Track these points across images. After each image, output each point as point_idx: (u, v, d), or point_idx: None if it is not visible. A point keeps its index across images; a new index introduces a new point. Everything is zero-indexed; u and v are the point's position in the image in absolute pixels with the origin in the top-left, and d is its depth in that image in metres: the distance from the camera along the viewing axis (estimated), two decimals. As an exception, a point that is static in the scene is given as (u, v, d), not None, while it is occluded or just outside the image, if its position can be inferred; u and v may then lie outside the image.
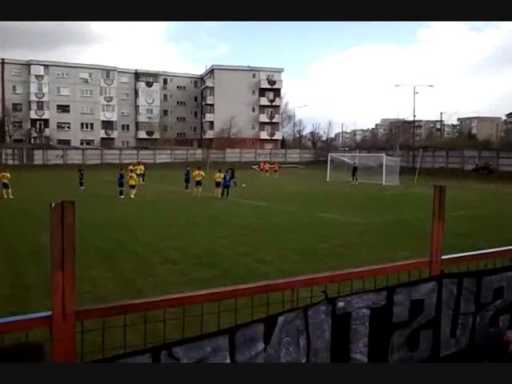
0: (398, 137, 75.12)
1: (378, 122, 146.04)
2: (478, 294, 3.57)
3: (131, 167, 37.17)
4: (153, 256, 13.12)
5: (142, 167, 41.87)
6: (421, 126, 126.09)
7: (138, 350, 2.21)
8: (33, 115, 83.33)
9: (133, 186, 29.27)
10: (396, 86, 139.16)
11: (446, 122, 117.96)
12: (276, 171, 54.91)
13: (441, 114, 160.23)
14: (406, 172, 49.27)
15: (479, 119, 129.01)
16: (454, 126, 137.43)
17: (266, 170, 55.39)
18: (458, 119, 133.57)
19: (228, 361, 2.43)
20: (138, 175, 35.18)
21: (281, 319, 2.63)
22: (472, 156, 59.30)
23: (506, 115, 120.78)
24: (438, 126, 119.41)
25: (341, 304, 2.90)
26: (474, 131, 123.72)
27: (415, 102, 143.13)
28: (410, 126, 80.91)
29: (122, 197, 28.85)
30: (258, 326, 2.54)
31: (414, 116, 74.97)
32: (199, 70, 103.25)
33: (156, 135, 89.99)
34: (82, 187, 34.29)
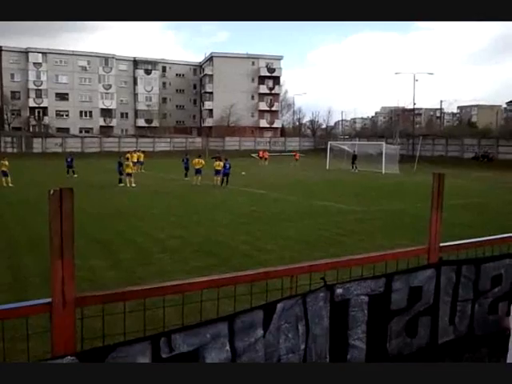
0: (398, 125, 75.03)
1: (378, 109, 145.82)
2: (476, 281, 3.59)
3: (128, 155, 37.16)
4: (152, 245, 13.15)
5: (141, 155, 41.79)
6: (421, 114, 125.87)
7: (137, 338, 2.22)
8: (31, 103, 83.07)
9: (129, 174, 29.26)
10: (396, 73, 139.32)
11: (445, 110, 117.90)
12: (266, 159, 55.17)
13: (441, 102, 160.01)
14: (406, 160, 49.26)
15: (479, 107, 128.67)
16: (453, 114, 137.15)
17: (266, 158, 55.43)
18: (458, 107, 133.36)
19: (227, 347, 2.44)
20: (134, 163, 35.16)
21: (280, 306, 2.64)
22: (472, 144, 59.30)
23: (507, 103, 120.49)
24: (438, 114, 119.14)
25: (339, 291, 2.91)
26: (473, 119, 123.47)
27: (415, 89, 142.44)
28: (410, 113, 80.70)
29: (122, 185, 28.88)
30: (258, 313, 2.55)
31: (414, 104, 74.71)
32: (198, 58, 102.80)
33: (155, 123, 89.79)
34: (75, 175, 34.34)
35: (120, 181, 29.34)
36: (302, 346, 2.77)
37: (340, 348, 2.98)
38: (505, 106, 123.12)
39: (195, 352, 2.35)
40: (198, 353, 2.36)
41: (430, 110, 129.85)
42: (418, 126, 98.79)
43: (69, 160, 36.14)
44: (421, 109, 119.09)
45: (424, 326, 3.36)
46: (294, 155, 56.35)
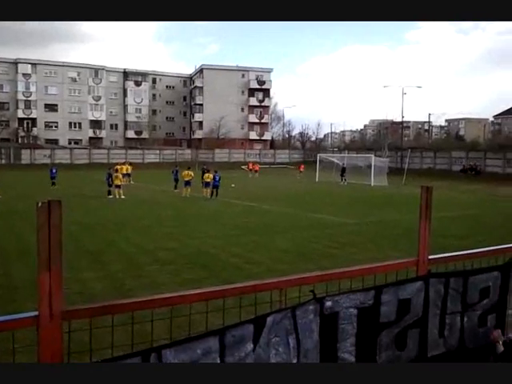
0: (387, 137, 75.52)
1: (367, 122, 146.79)
2: (464, 293, 3.60)
3: (117, 167, 37.05)
4: (143, 256, 13.06)
5: (129, 167, 41.68)
6: (409, 127, 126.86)
7: (127, 354, 2.19)
8: (20, 114, 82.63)
9: (118, 186, 29.16)
10: (384, 86, 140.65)
11: (434, 123, 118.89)
12: (256, 171, 55.20)
13: (429, 115, 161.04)
14: (395, 172, 49.59)
15: (467, 120, 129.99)
16: (441, 127, 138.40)
17: (256, 171, 55.52)
18: (446, 120, 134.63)
19: (218, 362, 2.42)
20: (123, 175, 35.04)
21: (269, 319, 2.63)
22: (459, 157, 59.82)
23: (494, 117, 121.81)
24: (426, 127, 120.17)
25: (328, 303, 2.91)
26: (461, 132, 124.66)
27: (403, 102, 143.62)
28: (399, 126, 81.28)
29: (111, 196, 28.77)
30: (248, 327, 2.53)
31: (403, 117, 75.39)
32: (188, 70, 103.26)
33: (145, 135, 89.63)
34: (55, 186, 34.11)
35: (109, 193, 29.24)
36: (294, 361, 2.75)
37: (329, 361, 2.96)
38: (492, 119, 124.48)
39: None
40: None
41: (419, 122, 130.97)
42: (406, 138, 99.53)
43: (53, 171, 35.95)
44: (409, 122, 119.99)
45: (413, 339, 3.35)
46: (299, 167, 56.26)
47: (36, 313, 2.11)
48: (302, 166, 56.59)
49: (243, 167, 63.57)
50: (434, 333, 3.48)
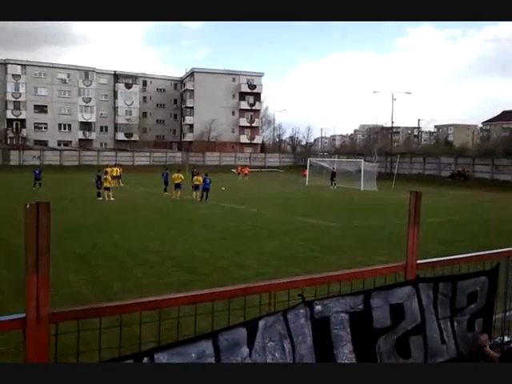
0: (376, 143, 76.03)
1: (357, 127, 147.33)
2: (453, 298, 3.61)
3: (107, 169, 36.88)
4: (130, 259, 13.00)
5: (118, 169, 41.46)
6: (398, 133, 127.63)
7: (120, 357, 2.16)
8: (9, 115, 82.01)
9: (107, 188, 29.04)
10: (374, 92, 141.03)
11: (423, 129, 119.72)
12: (246, 175, 55.21)
13: (418, 120, 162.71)
14: (384, 178, 49.82)
15: (456, 126, 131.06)
16: (431, 132, 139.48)
17: (246, 174, 55.60)
18: (435, 126, 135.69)
19: None
20: (113, 177, 34.85)
21: (261, 323, 2.60)
22: (448, 163, 60.26)
23: (482, 123, 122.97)
24: (416, 133, 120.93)
25: (318, 308, 2.89)
26: (450, 138, 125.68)
27: (393, 108, 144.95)
28: (388, 132, 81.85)
29: (100, 198, 28.64)
30: (241, 331, 2.51)
31: (392, 122, 75.82)
32: (179, 73, 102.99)
33: (135, 137, 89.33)
34: (35, 188, 33.58)
35: (98, 194, 29.12)
36: None
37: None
38: (481, 125, 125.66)
39: None
40: None
41: (408, 128, 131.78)
42: (395, 144, 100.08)
43: (37, 172, 35.31)
44: (399, 127, 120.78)
45: (417, 346, 3.32)
46: (303, 172, 53.33)
47: (23, 315, 2.10)
48: (306, 172, 52.88)
49: (233, 170, 63.60)
50: (435, 339, 3.45)
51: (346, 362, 2.96)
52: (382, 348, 3.14)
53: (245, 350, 2.50)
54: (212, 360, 2.37)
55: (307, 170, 51.81)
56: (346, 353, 2.97)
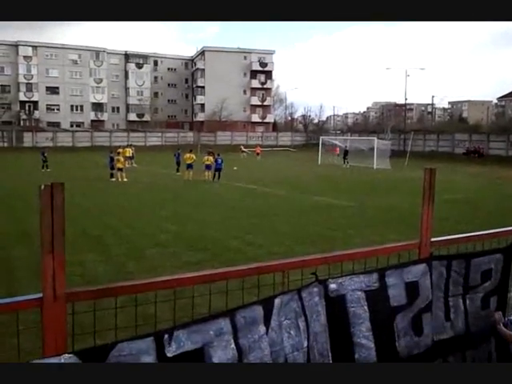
0: (390, 120, 75.39)
1: (370, 105, 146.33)
2: (467, 275, 3.59)
3: (120, 150, 37.01)
4: (144, 239, 13.11)
5: (131, 150, 41.60)
6: (412, 110, 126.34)
7: (138, 335, 2.17)
8: (22, 97, 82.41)
9: (120, 169, 29.20)
10: (387, 68, 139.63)
11: (437, 106, 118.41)
12: (258, 154, 55.11)
13: (432, 97, 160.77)
14: (397, 155, 49.45)
15: (470, 103, 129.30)
16: (445, 109, 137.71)
17: (258, 153, 55.53)
18: (449, 103, 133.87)
19: (233, 345, 2.39)
20: (126, 158, 35.00)
21: (277, 301, 2.61)
22: (463, 139, 59.54)
23: (497, 99, 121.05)
24: (430, 110, 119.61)
25: (333, 286, 2.89)
26: (464, 115, 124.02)
27: (407, 85, 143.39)
28: (402, 109, 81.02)
29: (113, 179, 28.83)
30: (257, 309, 2.51)
31: (406, 99, 75.19)
32: (190, 52, 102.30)
33: (146, 117, 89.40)
34: (43, 170, 34.01)
35: (111, 175, 29.31)
36: (305, 344, 2.74)
37: (344, 347, 2.93)
38: (495, 101, 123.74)
39: (201, 350, 2.29)
40: (204, 351, 2.30)
41: (422, 105, 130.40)
42: (409, 121, 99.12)
43: (45, 155, 35.64)
44: (412, 104, 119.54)
45: (428, 324, 3.33)
46: (335, 149, 51.22)
47: (40, 295, 2.13)
48: (337, 149, 50.78)
49: (245, 150, 63.51)
50: (439, 316, 3.46)
51: (363, 340, 2.96)
52: (400, 326, 3.15)
53: (262, 328, 2.51)
54: (230, 338, 2.38)
55: (338, 148, 50.36)
56: (363, 331, 2.95)
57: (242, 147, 58.98)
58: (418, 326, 3.25)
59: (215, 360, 2.32)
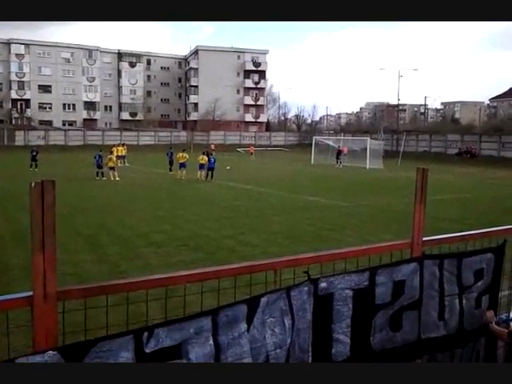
0: (383, 120, 75.54)
1: (363, 105, 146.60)
2: (459, 275, 3.61)
3: (113, 149, 36.80)
4: (137, 239, 13.07)
5: (123, 148, 41.37)
6: (405, 110, 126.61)
7: (119, 333, 2.19)
8: (14, 95, 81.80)
9: (112, 168, 29.01)
10: (381, 69, 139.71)
11: (429, 106, 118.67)
12: (251, 154, 55.06)
13: (425, 98, 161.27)
14: (390, 155, 49.60)
15: (462, 103, 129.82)
16: (437, 110, 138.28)
17: (251, 153, 55.53)
18: (442, 103, 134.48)
19: (211, 342, 2.42)
20: (118, 157, 34.78)
21: (264, 300, 2.63)
22: (455, 140, 59.73)
23: (490, 100, 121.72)
24: (422, 110, 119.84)
25: (323, 285, 2.91)
26: (457, 115, 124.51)
27: (400, 85, 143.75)
28: (394, 109, 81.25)
29: (98, 178, 28.60)
30: (241, 307, 2.53)
31: (399, 100, 75.37)
32: (183, 51, 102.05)
33: (139, 116, 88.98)
34: (31, 169, 33.53)
35: (97, 174, 29.02)
36: (288, 341, 2.76)
37: (323, 342, 2.97)
38: (488, 102, 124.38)
39: (178, 347, 2.32)
40: (181, 347, 2.33)
41: (414, 105, 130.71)
42: (402, 121, 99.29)
43: (34, 154, 35.07)
44: (405, 104, 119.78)
45: (410, 321, 3.35)
46: (343, 148, 48.53)
47: (30, 293, 2.11)
48: (346, 148, 48.95)
49: (239, 149, 63.41)
50: (432, 315, 3.48)
51: (341, 336, 3.01)
52: (377, 322, 3.19)
53: (243, 326, 2.53)
54: (209, 335, 2.41)
55: (346, 147, 48.67)
56: (343, 327, 3.01)
57: (213, 145, 58.17)
58: (397, 323, 3.28)
59: (192, 356, 2.35)
